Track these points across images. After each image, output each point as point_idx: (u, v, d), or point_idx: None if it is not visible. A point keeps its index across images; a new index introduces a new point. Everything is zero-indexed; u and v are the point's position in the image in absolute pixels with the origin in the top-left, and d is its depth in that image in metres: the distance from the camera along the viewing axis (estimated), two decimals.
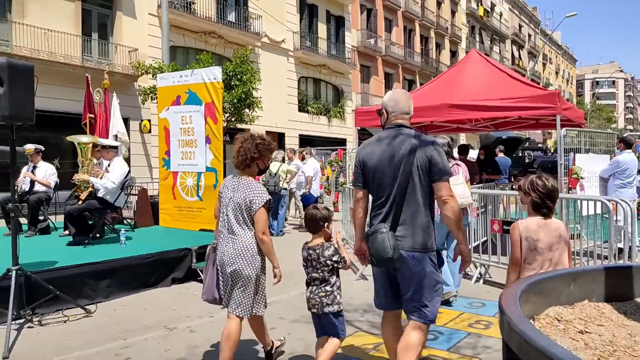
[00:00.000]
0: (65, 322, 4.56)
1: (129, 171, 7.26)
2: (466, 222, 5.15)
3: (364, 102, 27.03)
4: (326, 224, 3.29)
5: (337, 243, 3.27)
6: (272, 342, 3.64)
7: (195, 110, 7.40)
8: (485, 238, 6.39)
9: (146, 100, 14.71)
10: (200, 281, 6.00)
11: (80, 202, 6.70)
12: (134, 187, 8.56)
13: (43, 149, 7.99)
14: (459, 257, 2.94)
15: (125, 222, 8.36)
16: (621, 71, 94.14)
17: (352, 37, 27.24)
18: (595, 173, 7.21)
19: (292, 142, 22.18)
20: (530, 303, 1.60)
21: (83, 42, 15.35)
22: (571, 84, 72.25)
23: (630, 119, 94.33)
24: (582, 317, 1.64)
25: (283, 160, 10.30)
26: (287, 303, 5.03)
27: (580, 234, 5.89)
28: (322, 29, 25.25)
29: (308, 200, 10.30)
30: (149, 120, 16.33)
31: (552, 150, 25.99)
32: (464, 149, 8.68)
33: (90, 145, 7.01)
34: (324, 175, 13.61)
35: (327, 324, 3.24)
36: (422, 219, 2.83)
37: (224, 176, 7.90)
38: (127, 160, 9.06)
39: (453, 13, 38.64)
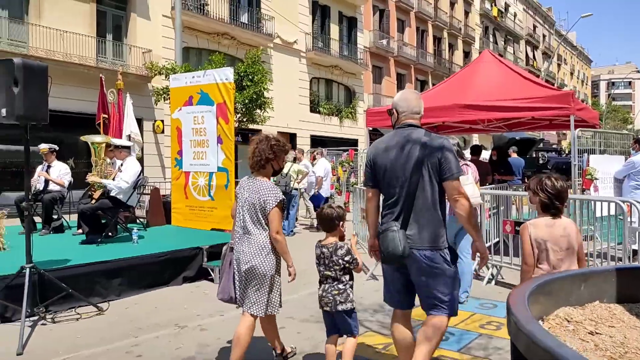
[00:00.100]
0: (77, 319, 4.61)
1: (142, 171, 7.32)
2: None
3: (376, 103, 26.92)
4: (341, 222, 3.31)
5: (351, 246, 3.27)
6: (284, 347, 3.63)
7: (207, 111, 7.45)
8: (498, 239, 6.33)
9: (159, 101, 14.85)
10: (211, 280, 6.07)
11: (93, 201, 6.79)
12: (146, 187, 8.64)
13: (57, 148, 8.07)
14: (477, 255, 2.93)
15: (137, 221, 8.44)
16: (638, 72, 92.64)
17: (365, 38, 27.17)
18: (609, 174, 7.13)
19: (303, 142, 22.18)
20: (540, 304, 1.58)
21: (98, 43, 15.49)
22: (586, 84, 71.39)
23: None
24: (593, 318, 1.61)
25: (294, 161, 10.31)
26: (297, 303, 5.03)
27: (594, 236, 5.82)
28: (334, 29, 25.20)
29: (317, 200, 10.29)
30: (162, 121, 16.41)
31: (566, 151, 25.69)
32: (476, 150, 8.63)
33: (104, 145, 7.09)
34: (335, 175, 13.59)
35: (340, 321, 3.25)
36: (432, 217, 2.83)
37: (236, 176, 7.97)
38: (140, 160, 9.12)
39: (466, 14, 38.36)
